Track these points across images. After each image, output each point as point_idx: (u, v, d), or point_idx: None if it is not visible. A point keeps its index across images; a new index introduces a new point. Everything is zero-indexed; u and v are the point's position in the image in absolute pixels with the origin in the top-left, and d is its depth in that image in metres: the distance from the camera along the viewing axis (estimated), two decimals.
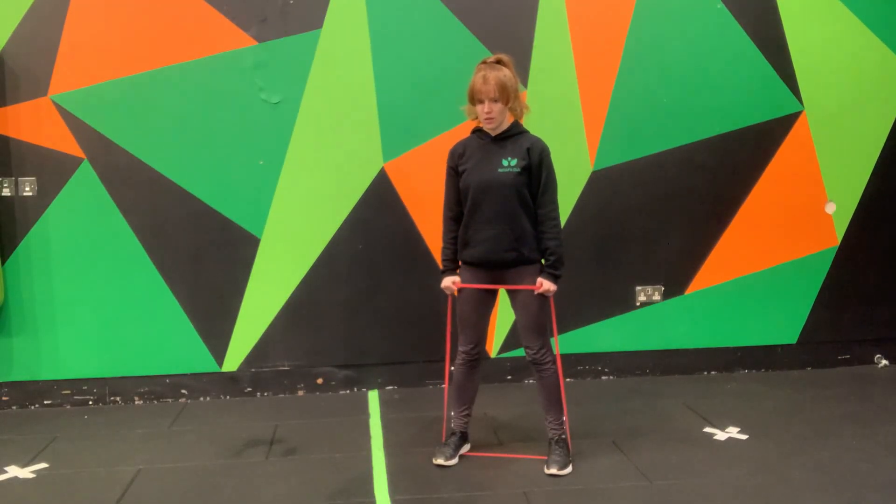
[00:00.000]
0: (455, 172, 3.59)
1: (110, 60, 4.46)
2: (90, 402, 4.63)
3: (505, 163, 3.45)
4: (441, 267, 3.68)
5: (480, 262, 3.54)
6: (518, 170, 3.44)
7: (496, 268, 3.53)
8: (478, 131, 3.58)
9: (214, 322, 4.65)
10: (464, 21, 4.60)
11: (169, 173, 4.54)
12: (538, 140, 3.51)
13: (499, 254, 3.48)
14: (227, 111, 4.54)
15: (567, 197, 4.71)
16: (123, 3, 4.43)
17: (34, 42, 4.41)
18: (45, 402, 4.60)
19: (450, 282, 3.63)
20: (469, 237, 3.54)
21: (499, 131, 3.51)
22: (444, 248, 3.67)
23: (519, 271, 3.52)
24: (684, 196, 4.85)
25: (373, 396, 4.68)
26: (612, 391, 4.67)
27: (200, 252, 4.60)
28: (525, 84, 4.64)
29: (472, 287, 3.58)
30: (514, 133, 3.51)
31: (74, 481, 3.60)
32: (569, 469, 3.55)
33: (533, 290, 3.50)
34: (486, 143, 3.52)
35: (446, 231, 3.66)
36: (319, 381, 4.76)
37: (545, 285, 3.48)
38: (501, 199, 3.45)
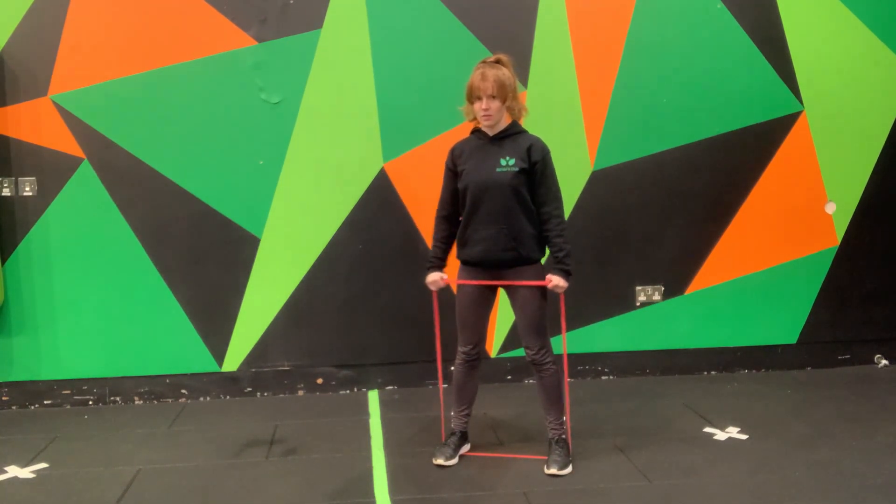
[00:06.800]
0: (453, 173, 3.58)
1: (110, 60, 4.46)
2: (90, 402, 4.63)
3: (503, 162, 3.45)
4: (428, 264, 3.67)
5: (479, 262, 3.53)
6: (516, 169, 3.44)
7: (495, 268, 3.53)
8: (477, 132, 3.58)
9: (214, 322, 4.65)
10: (464, 21, 4.60)
11: (169, 173, 4.54)
12: (538, 140, 3.51)
13: (497, 253, 3.48)
14: (227, 111, 4.54)
15: (567, 197, 4.69)
16: (123, 3, 4.43)
17: (34, 42, 4.41)
18: (45, 402, 4.60)
19: (437, 276, 3.63)
20: (467, 237, 3.53)
21: (497, 130, 3.51)
22: (434, 246, 3.67)
23: (518, 271, 3.51)
24: (684, 196, 4.85)
25: (373, 396, 4.68)
26: (613, 391, 4.67)
27: (200, 252, 4.60)
28: (525, 84, 4.65)
29: (472, 284, 3.57)
30: (513, 133, 3.51)
31: (74, 481, 3.60)
32: (569, 469, 3.55)
33: (533, 289, 3.49)
34: (485, 142, 3.52)
35: (437, 230, 3.66)
36: (319, 381, 4.76)
37: (555, 280, 3.46)
38: (499, 198, 3.44)
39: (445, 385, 4.72)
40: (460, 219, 3.60)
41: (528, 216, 3.49)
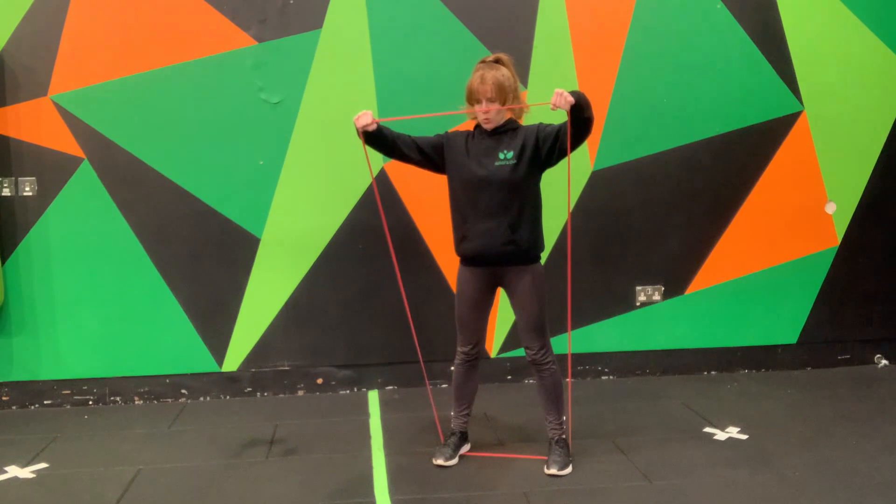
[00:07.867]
0: (439, 147, 3.57)
1: (110, 60, 4.46)
2: (90, 402, 4.63)
3: (501, 156, 3.45)
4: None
5: (478, 257, 3.53)
6: (514, 162, 3.44)
7: (494, 264, 3.52)
8: (478, 126, 3.58)
9: (214, 322, 4.65)
10: (464, 21, 4.60)
11: (169, 173, 4.54)
12: (532, 124, 3.50)
13: (496, 247, 3.46)
14: (227, 111, 4.54)
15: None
16: (123, 3, 4.43)
17: (34, 42, 4.41)
18: (45, 402, 4.60)
19: (370, 113, 3.46)
20: (467, 231, 3.52)
21: (494, 126, 3.51)
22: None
23: (518, 269, 3.51)
24: (684, 196, 4.84)
25: (373, 396, 4.68)
26: (612, 391, 4.67)
27: (200, 252, 4.60)
28: (525, 84, 4.64)
29: (471, 284, 3.56)
30: (510, 127, 3.50)
31: (74, 481, 3.60)
32: (569, 469, 3.55)
33: (533, 288, 3.48)
34: (484, 137, 3.52)
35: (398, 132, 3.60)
36: (319, 381, 4.76)
37: (561, 90, 3.27)
38: (498, 192, 3.43)
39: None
40: (404, 153, 3.56)
41: (527, 210, 3.48)
